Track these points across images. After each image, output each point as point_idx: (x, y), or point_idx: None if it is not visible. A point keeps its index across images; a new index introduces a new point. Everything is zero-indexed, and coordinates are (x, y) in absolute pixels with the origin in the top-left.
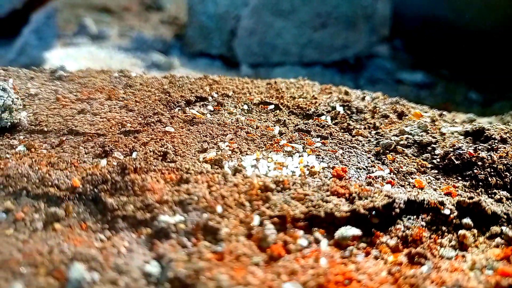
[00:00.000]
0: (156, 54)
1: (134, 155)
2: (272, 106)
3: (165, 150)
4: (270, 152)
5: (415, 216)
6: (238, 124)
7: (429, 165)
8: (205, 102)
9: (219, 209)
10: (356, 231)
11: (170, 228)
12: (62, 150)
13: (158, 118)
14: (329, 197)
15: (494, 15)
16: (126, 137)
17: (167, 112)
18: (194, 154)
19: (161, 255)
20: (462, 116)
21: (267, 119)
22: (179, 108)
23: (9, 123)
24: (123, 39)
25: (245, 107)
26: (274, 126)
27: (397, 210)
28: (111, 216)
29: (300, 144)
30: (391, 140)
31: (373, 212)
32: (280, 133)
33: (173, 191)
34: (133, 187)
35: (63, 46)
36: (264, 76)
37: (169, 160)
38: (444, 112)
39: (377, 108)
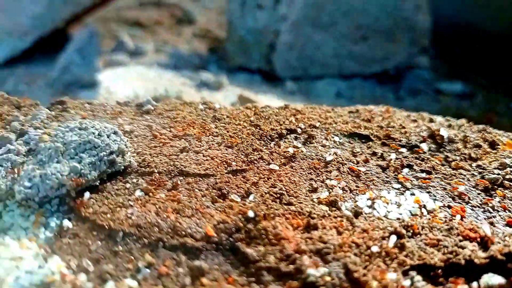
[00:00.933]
0: (204, 73)
1: (251, 197)
2: (363, 138)
3: (280, 191)
4: (380, 190)
5: None
6: (338, 159)
7: None
8: (295, 135)
9: (356, 259)
10: (500, 279)
11: (318, 281)
12: (179, 194)
13: (260, 155)
14: (462, 242)
15: None
16: (235, 177)
17: (265, 148)
18: (306, 194)
19: None
20: None
21: (362, 152)
22: (274, 142)
23: (122, 167)
24: (159, 55)
25: (336, 138)
26: (371, 159)
27: None
28: (255, 268)
29: (407, 181)
30: (496, 174)
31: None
32: (382, 168)
33: (306, 239)
34: (267, 235)
35: (105, 64)
36: (305, 90)
37: (286, 202)
38: None
39: (467, 137)
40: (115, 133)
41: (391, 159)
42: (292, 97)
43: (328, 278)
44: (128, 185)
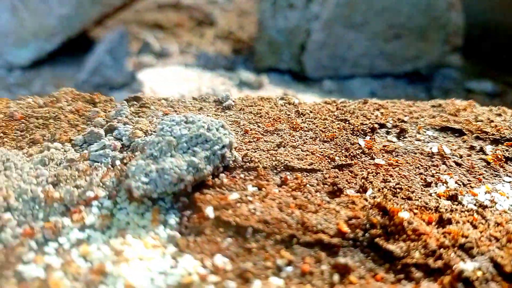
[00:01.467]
0: (245, 73)
1: (369, 192)
2: (455, 132)
3: (396, 186)
4: (493, 183)
5: None
6: (440, 153)
7: None
8: (386, 129)
9: (501, 253)
10: None
11: (471, 276)
12: (291, 189)
13: (360, 150)
14: None
15: None
16: (342, 172)
17: (361, 142)
18: (422, 189)
19: None
20: None
21: (459, 146)
22: (369, 137)
23: (230, 161)
24: (185, 56)
25: (429, 133)
26: (471, 153)
27: None
28: (401, 265)
29: None
30: None
31: None
32: (487, 162)
33: (444, 234)
34: (405, 231)
35: (134, 66)
36: (337, 90)
37: (406, 197)
38: None
39: None
40: (222, 126)
41: (491, 153)
42: (330, 96)
43: (479, 273)
44: (237, 180)
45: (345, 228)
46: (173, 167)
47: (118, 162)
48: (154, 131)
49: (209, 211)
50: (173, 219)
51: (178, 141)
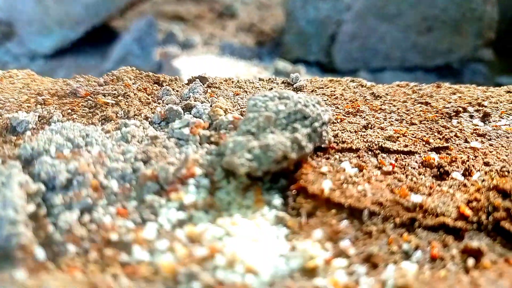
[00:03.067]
0: (281, 62)
1: (477, 175)
2: None
3: (503, 169)
4: None
5: None
6: None
7: None
8: (469, 113)
9: None
10: None
11: None
12: (393, 171)
13: (453, 133)
14: None
15: None
16: (440, 155)
17: (450, 125)
18: None
19: None
20: None
21: None
22: (456, 120)
23: (326, 140)
24: (209, 47)
25: None
26: None
27: None
28: None
29: None
30: None
31: None
32: None
33: None
34: None
35: (160, 56)
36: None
37: None
38: None
39: None
40: (318, 103)
41: None
42: None
43: None
44: (332, 161)
45: (467, 211)
46: (277, 143)
47: (204, 140)
48: (244, 109)
49: (316, 192)
50: (277, 200)
51: (276, 117)
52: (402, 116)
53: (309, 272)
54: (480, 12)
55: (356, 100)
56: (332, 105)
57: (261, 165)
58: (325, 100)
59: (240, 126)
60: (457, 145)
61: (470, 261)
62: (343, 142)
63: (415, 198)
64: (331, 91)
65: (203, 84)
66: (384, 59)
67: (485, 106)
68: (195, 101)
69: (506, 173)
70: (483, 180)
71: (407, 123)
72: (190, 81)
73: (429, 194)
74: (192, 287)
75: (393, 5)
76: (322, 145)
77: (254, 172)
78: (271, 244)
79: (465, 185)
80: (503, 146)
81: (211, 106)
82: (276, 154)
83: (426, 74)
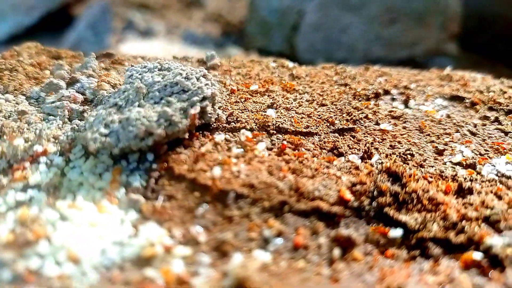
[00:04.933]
0: (232, 48)
1: (375, 158)
2: (467, 101)
3: (407, 152)
4: None
5: None
6: (453, 121)
7: None
8: (391, 96)
9: None
10: None
11: (500, 253)
12: (283, 153)
13: (364, 114)
14: None
15: None
16: (343, 137)
17: (365, 107)
18: (435, 157)
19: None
20: None
21: (471, 115)
22: (373, 102)
23: (212, 118)
24: (171, 36)
25: (439, 101)
26: (486, 123)
27: None
28: (416, 239)
29: None
30: None
31: None
32: (504, 132)
33: (465, 205)
34: (420, 200)
35: (117, 43)
36: None
37: (417, 165)
38: None
39: None
40: (204, 76)
41: (508, 124)
42: None
43: (509, 251)
44: (220, 141)
45: (348, 195)
46: (140, 118)
47: (76, 116)
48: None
49: (184, 172)
50: (138, 181)
51: (149, 89)
52: (314, 97)
53: (144, 261)
54: (443, 5)
55: (272, 80)
56: (243, 85)
57: (118, 141)
58: (237, 80)
59: (109, 98)
60: (365, 127)
61: (336, 252)
62: (237, 121)
63: (292, 181)
64: (247, 71)
65: (109, 60)
66: (347, 51)
67: (411, 89)
68: (82, 75)
69: (409, 157)
70: (381, 163)
71: (317, 104)
72: (97, 57)
73: (312, 177)
74: (1, 276)
75: None
76: (211, 123)
77: (109, 149)
78: (110, 230)
79: (357, 168)
80: (416, 129)
81: (99, 80)
82: (137, 129)
83: (390, 68)
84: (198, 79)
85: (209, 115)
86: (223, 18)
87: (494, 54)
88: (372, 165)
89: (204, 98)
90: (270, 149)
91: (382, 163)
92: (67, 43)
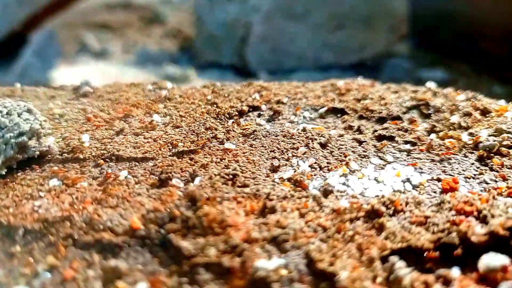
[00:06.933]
0: (171, 67)
1: (197, 181)
2: (337, 112)
3: (233, 171)
4: (356, 165)
5: None
6: (307, 135)
7: None
8: (259, 112)
9: (322, 246)
10: (504, 259)
11: (270, 276)
12: (106, 182)
13: (213, 134)
14: (455, 218)
15: None
16: (181, 160)
17: (220, 126)
18: (266, 174)
19: None
20: None
21: (335, 126)
22: (232, 120)
23: (37, 152)
24: (127, 55)
25: (306, 114)
26: (347, 133)
27: None
28: (190, 265)
29: (388, 153)
30: (491, 141)
31: None
32: (359, 142)
33: (259, 225)
34: (210, 223)
35: (67, 65)
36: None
37: (241, 185)
38: None
39: (455, 106)
40: (28, 111)
41: (369, 132)
42: None
43: (284, 272)
44: (44, 174)
45: (137, 224)
46: None
47: None
48: None
49: None
50: None
51: None
52: (173, 119)
53: None
54: (389, 7)
55: (138, 104)
56: (106, 111)
57: None
58: (103, 106)
59: None
60: (209, 148)
61: (97, 284)
62: (71, 152)
63: (91, 212)
64: (118, 96)
65: None
66: (297, 59)
67: (284, 103)
68: None
69: (234, 177)
70: (200, 186)
71: (172, 127)
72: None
73: (115, 206)
74: None
75: (300, 5)
76: (42, 156)
77: None
78: None
79: (169, 194)
80: (263, 146)
81: None
82: None
83: (343, 72)
84: (20, 114)
85: (32, 149)
86: (182, 33)
87: (454, 52)
88: (187, 189)
89: (20, 134)
90: (95, 178)
91: (201, 186)
92: (15, 70)
